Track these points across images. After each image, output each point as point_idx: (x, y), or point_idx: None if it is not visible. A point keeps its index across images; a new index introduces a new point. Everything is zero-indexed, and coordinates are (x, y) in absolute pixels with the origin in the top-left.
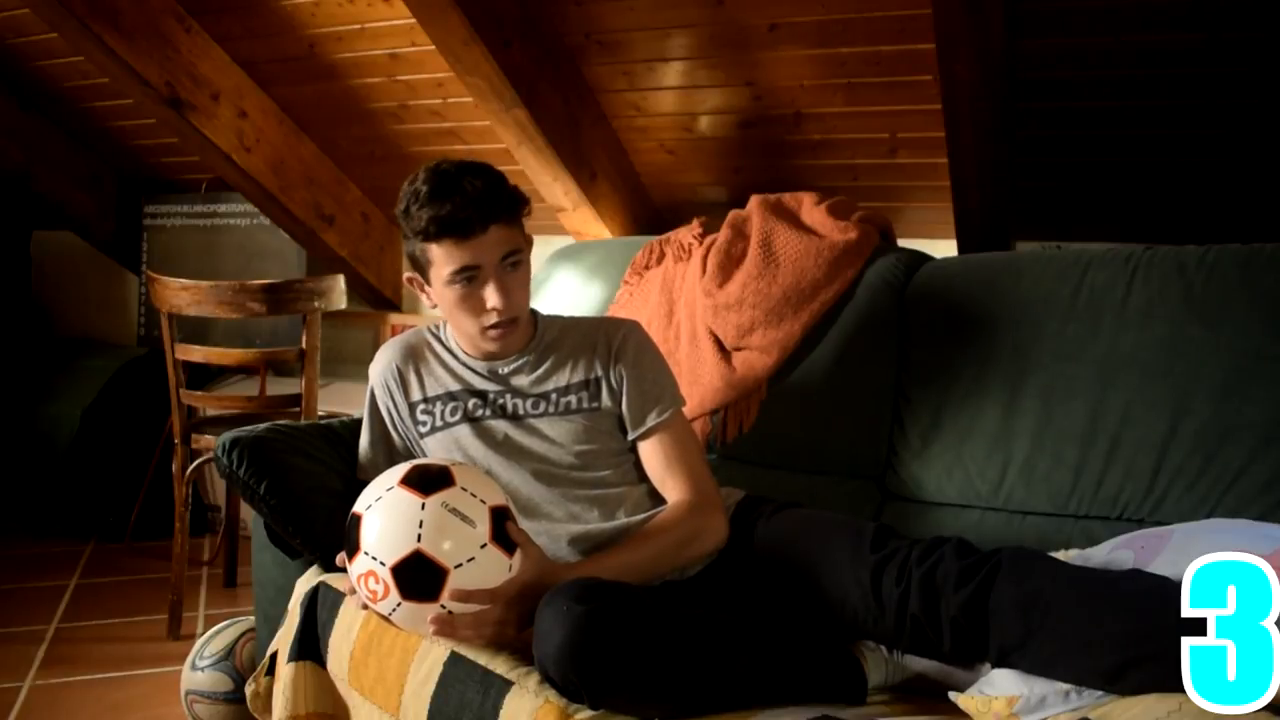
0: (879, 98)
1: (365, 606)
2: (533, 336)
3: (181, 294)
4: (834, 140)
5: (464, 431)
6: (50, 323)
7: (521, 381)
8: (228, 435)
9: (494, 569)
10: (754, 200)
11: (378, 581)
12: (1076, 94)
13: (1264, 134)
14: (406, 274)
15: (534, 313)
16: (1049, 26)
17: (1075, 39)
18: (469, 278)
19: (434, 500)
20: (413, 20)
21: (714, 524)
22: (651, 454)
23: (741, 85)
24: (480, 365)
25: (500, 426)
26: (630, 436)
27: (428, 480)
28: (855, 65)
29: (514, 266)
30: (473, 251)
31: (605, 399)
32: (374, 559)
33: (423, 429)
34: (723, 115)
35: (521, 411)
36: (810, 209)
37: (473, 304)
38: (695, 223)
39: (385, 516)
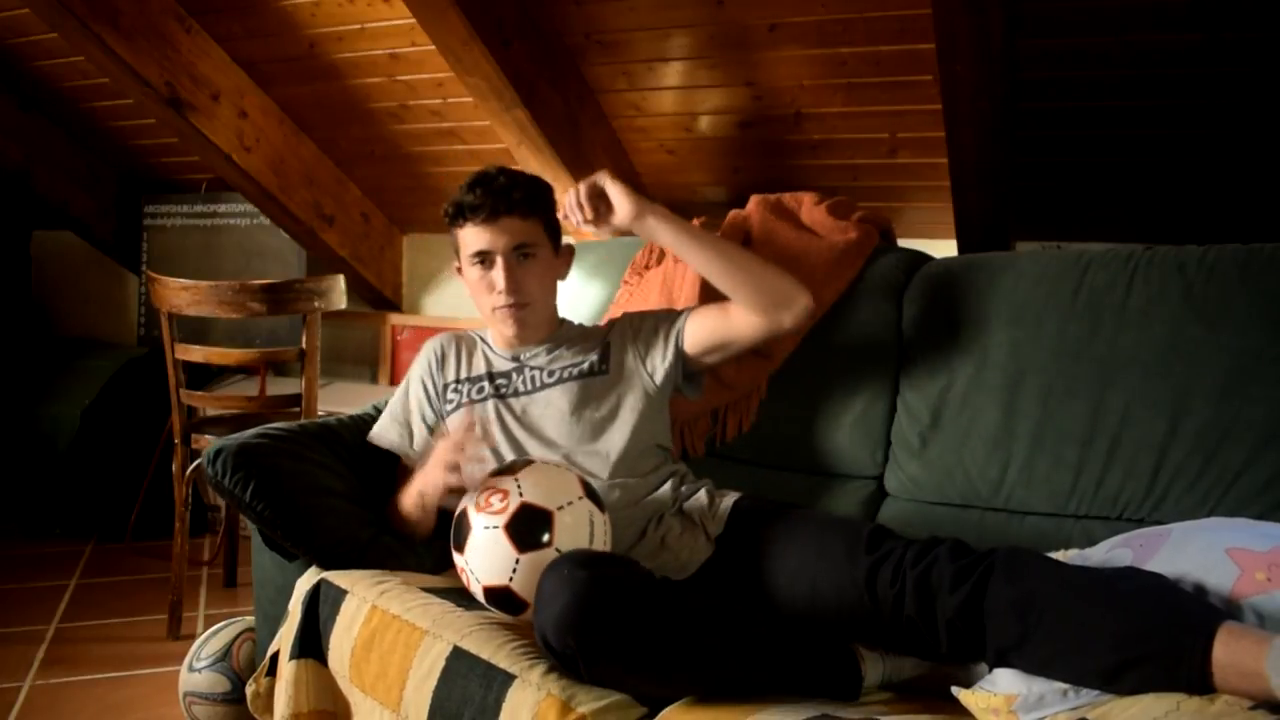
0: (879, 98)
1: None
2: (554, 334)
3: (181, 294)
4: (834, 140)
5: (486, 407)
6: (50, 323)
7: (539, 362)
8: (213, 445)
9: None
10: (754, 200)
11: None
12: (1076, 94)
13: (1264, 134)
14: (455, 263)
15: (563, 321)
16: (1049, 26)
17: (1075, 39)
18: (482, 261)
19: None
20: (413, 20)
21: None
22: (703, 316)
23: (741, 85)
24: (506, 353)
25: (517, 403)
26: (674, 341)
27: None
28: (855, 65)
29: (525, 258)
30: (488, 237)
31: (612, 363)
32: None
33: (449, 407)
34: (723, 115)
35: (539, 383)
36: (810, 209)
37: (485, 285)
38: (695, 222)
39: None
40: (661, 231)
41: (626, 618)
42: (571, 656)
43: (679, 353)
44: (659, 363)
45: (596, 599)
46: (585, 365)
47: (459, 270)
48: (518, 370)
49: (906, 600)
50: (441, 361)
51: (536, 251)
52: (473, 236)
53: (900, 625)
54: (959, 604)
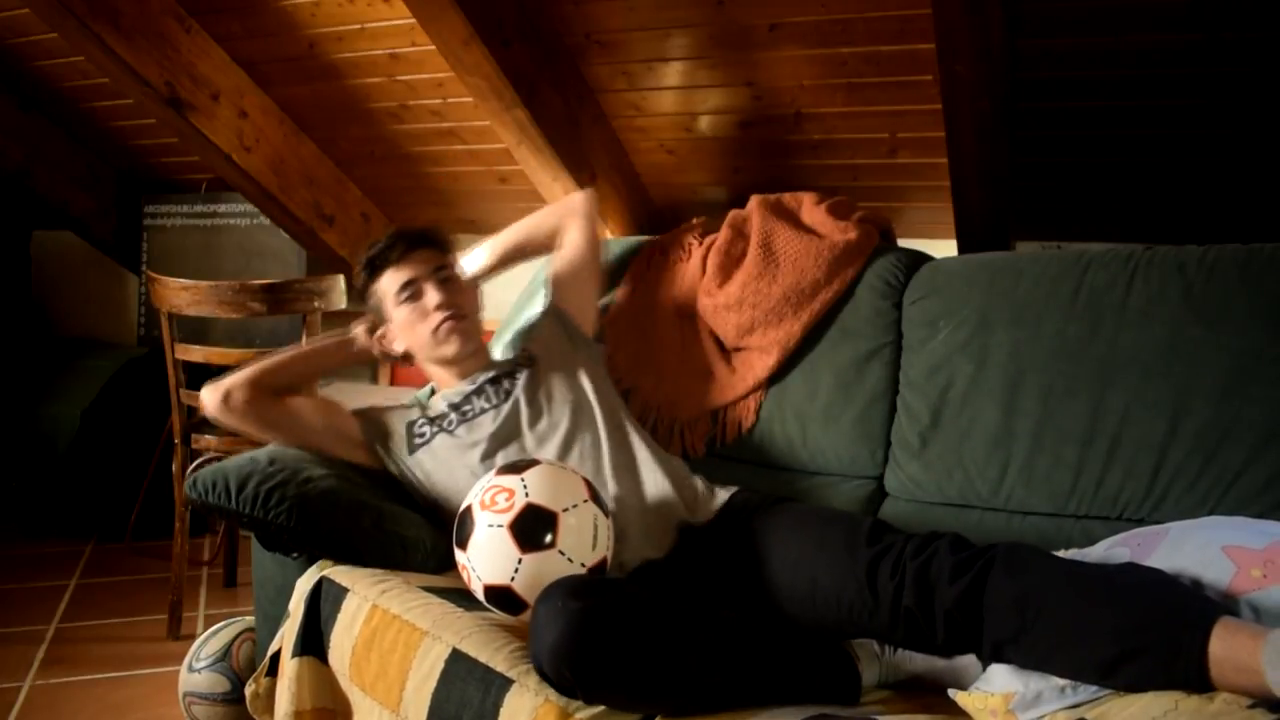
0: (879, 98)
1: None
2: (491, 361)
3: (181, 294)
4: (834, 140)
5: (460, 431)
6: (50, 323)
7: (492, 377)
8: (192, 476)
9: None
10: (754, 200)
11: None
12: (1076, 94)
13: (1264, 134)
14: (377, 336)
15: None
16: (1049, 26)
17: (1075, 39)
18: (411, 293)
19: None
20: (413, 20)
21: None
22: (559, 263)
23: (741, 85)
24: (457, 387)
25: (487, 419)
26: (549, 302)
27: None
28: (855, 65)
29: (447, 280)
30: (410, 268)
31: (536, 353)
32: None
33: (419, 440)
34: (723, 115)
35: (501, 395)
36: (810, 209)
37: (419, 314)
38: (695, 223)
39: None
40: (474, 262)
41: (621, 648)
42: (569, 686)
43: (555, 307)
44: (556, 323)
45: (590, 631)
46: (524, 359)
47: (381, 341)
48: (477, 392)
49: (906, 591)
50: (385, 408)
51: (455, 274)
52: (395, 275)
53: (898, 617)
54: (958, 595)
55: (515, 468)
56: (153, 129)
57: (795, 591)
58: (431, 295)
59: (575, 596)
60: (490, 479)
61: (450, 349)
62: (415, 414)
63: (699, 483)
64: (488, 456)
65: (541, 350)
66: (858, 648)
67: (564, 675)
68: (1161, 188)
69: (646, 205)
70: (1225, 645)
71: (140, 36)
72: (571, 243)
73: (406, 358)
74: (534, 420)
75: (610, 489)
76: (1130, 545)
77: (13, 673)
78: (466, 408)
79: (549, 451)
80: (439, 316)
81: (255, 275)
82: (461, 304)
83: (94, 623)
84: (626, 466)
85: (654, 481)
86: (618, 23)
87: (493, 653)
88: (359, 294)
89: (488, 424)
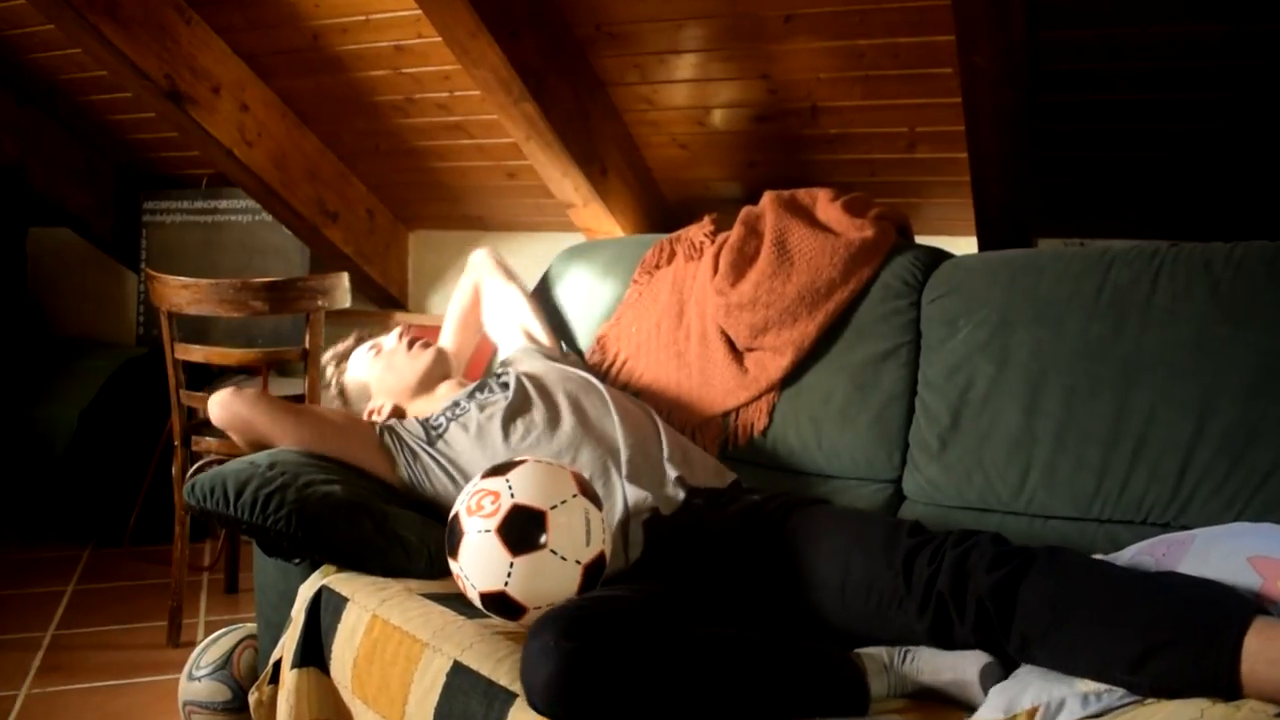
0: (897, 90)
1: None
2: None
3: (181, 292)
4: (851, 134)
5: (473, 409)
6: (47, 322)
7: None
8: (190, 481)
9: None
10: (767, 196)
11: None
12: (1099, 87)
13: None
14: (368, 413)
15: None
16: (1071, 17)
17: (1098, 30)
18: (373, 347)
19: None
20: (418, 11)
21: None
22: (492, 330)
23: (756, 78)
24: (462, 388)
25: (509, 393)
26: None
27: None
28: (873, 57)
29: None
30: (369, 341)
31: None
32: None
33: (436, 432)
34: (737, 109)
35: (505, 381)
36: (826, 205)
37: (390, 351)
38: (707, 220)
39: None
40: (445, 340)
41: (616, 688)
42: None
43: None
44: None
45: (583, 673)
46: (508, 363)
47: (375, 411)
48: (479, 388)
49: (942, 575)
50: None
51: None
52: (359, 348)
53: (928, 603)
54: (994, 584)
55: (500, 469)
56: (152, 123)
57: (827, 582)
58: (391, 336)
59: (568, 636)
60: (475, 483)
61: (425, 359)
62: (428, 413)
63: (703, 452)
64: (507, 422)
65: (519, 364)
66: (866, 659)
67: (557, 713)
68: (1187, 183)
69: (658, 201)
70: (1263, 637)
71: (139, 28)
72: (491, 299)
73: (398, 414)
74: (541, 394)
75: (625, 439)
76: (1155, 555)
77: (9, 680)
78: (476, 396)
79: (561, 415)
80: (405, 340)
81: (257, 273)
82: (421, 337)
83: (92, 629)
84: (638, 423)
85: (669, 436)
86: (629, 13)
87: (494, 665)
88: (336, 393)
89: (500, 402)
